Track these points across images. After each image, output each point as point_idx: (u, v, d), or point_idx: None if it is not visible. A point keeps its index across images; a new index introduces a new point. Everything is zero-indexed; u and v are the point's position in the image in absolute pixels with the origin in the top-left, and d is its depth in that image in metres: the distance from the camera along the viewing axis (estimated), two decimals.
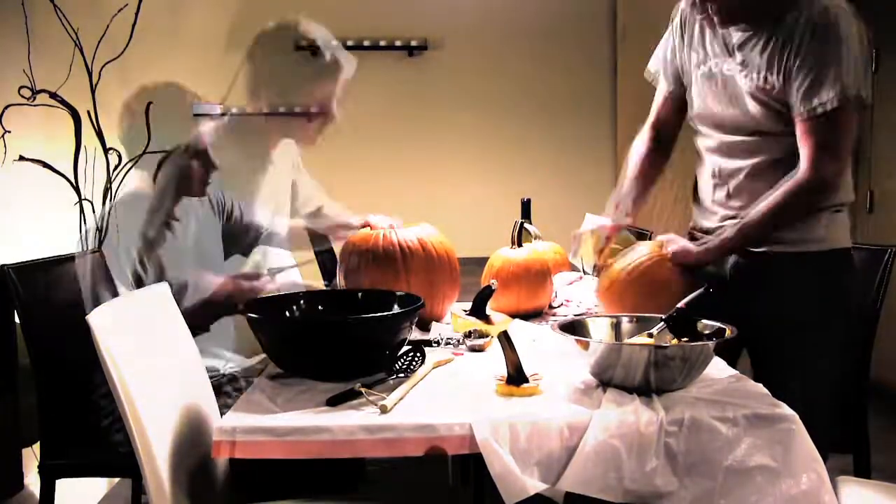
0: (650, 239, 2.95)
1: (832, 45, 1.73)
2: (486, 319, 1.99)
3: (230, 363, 2.27)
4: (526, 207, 2.87)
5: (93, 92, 3.84)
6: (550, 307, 2.33)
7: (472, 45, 4.22)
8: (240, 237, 2.36)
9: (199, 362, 1.72)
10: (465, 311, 2.05)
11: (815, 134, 1.74)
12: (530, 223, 2.79)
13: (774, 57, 1.79)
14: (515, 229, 2.42)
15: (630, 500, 1.34)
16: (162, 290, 1.70)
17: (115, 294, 2.15)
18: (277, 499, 1.60)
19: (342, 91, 2.26)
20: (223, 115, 2.34)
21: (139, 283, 1.99)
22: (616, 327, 1.69)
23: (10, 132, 3.74)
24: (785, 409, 1.38)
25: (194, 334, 2.08)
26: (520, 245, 2.35)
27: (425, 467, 1.86)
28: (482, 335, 1.87)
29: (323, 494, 1.66)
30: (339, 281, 2.18)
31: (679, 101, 2.10)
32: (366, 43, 4.11)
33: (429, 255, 2.09)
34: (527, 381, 1.50)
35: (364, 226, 2.29)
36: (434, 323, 2.14)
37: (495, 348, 1.76)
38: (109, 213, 2.23)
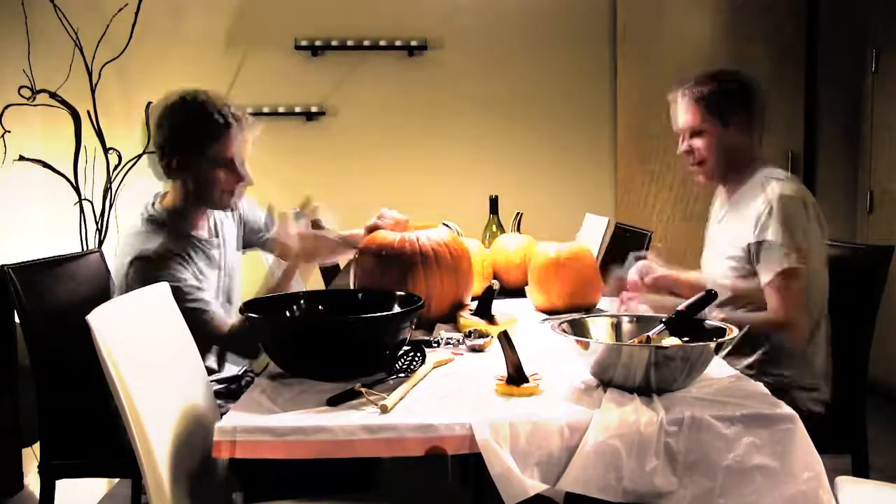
0: (650, 241, 2.97)
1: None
2: (491, 319, 2.00)
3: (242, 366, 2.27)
4: (494, 203, 2.94)
5: (93, 92, 3.85)
6: None
7: (471, 45, 4.22)
8: (247, 240, 2.36)
9: (199, 362, 1.72)
10: (471, 311, 2.05)
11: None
12: (498, 219, 2.91)
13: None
14: (516, 220, 2.72)
15: (630, 500, 1.34)
16: (162, 290, 1.70)
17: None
18: (290, 498, 1.60)
19: (250, 150, 2.10)
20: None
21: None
22: (616, 327, 1.70)
23: (10, 132, 3.74)
24: (785, 409, 1.39)
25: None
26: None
27: (424, 467, 1.86)
28: (482, 335, 1.88)
29: (329, 494, 1.66)
30: (351, 280, 2.16)
31: None
32: (366, 43, 4.12)
33: (452, 256, 2.08)
34: (527, 381, 1.50)
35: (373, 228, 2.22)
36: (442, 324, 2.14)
37: (495, 348, 1.76)
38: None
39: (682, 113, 2.17)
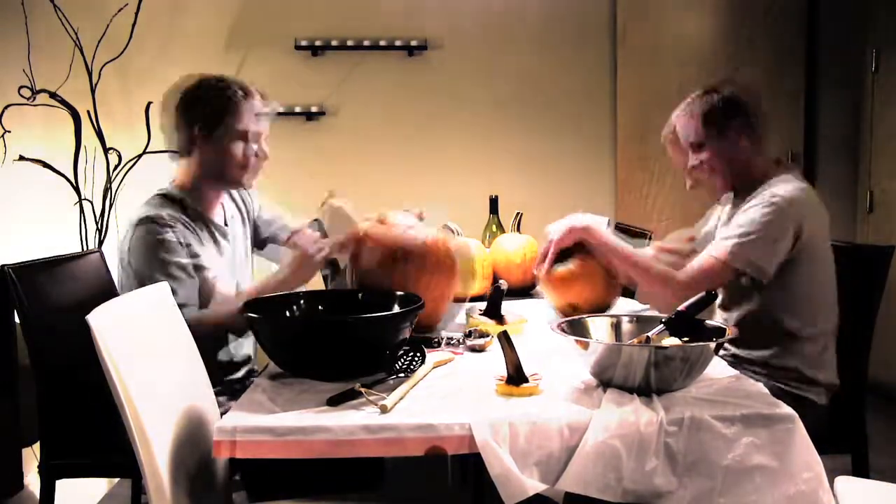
0: (650, 240, 2.97)
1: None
2: (500, 319, 1.99)
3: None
4: (494, 203, 2.95)
5: (93, 92, 3.84)
6: None
7: (472, 45, 4.22)
8: (259, 239, 2.36)
9: (199, 362, 1.72)
10: (480, 311, 2.05)
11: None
12: (498, 219, 2.92)
13: None
14: (516, 220, 2.75)
15: (630, 500, 1.34)
16: (162, 290, 1.70)
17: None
18: (290, 498, 1.60)
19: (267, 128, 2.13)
20: None
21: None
22: (616, 327, 1.70)
23: (10, 132, 3.74)
24: (784, 409, 1.39)
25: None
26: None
27: (424, 467, 1.87)
28: (482, 335, 1.87)
29: (329, 494, 1.66)
30: (347, 279, 2.12)
31: None
32: (366, 43, 4.12)
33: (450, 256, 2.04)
34: (527, 381, 1.50)
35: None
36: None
37: (495, 348, 1.76)
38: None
39: (682, 129, 2.23)
